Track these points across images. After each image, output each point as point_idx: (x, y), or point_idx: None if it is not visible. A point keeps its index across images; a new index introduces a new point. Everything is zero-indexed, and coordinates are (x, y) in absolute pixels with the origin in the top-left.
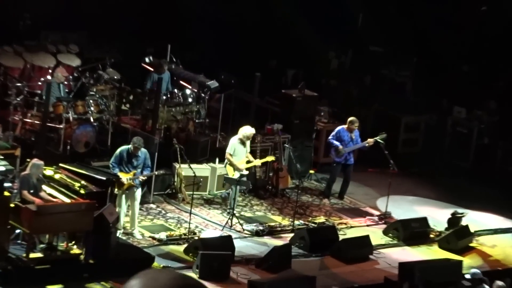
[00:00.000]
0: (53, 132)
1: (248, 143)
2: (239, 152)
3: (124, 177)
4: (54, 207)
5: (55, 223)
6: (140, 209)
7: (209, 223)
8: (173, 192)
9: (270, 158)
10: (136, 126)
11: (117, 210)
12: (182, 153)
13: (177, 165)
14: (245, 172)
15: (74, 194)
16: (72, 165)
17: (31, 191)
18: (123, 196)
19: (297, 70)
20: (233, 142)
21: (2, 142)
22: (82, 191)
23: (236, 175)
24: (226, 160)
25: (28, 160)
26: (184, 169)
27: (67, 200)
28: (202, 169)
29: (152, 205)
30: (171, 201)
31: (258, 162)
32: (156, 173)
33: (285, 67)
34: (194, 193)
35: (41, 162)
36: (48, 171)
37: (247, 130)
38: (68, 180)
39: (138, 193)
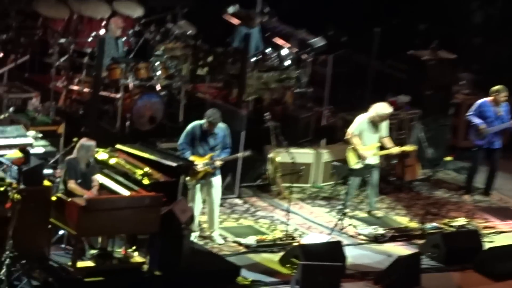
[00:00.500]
0: (108, 103)
1: (383, 126)
2: (367, 136)
3: (200, 162)
4: (109, 201)
5: (110, 223)
6: (221, 205)
7: (312, 224)
8: (265, 184)
9: (410, 148)
10: (216, 96)
11: (190, 206)
12: (277, 133)
13: (270, 149)
14: (373, 162)
15: (135, 184)
16: (133, 146)
17: (79, 180)
18: (198, 187)
19: (429, 24)
20: (361, 121)
21: (41, 116)
22: (145, 181)
23: (359, 165)
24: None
25: (75, 139)
26: (280, 154)
27: (126, 193)
28: (303, 154)
29: (237, 200)
30: (262, 195)
31: (396, 149)
32: (240, 155)
33: (413, 21)
34: (293, 185)
35: (92, 143)
36: (102, 155)
37: (382, 109)
38: (128, 166)
39: (218, 183)
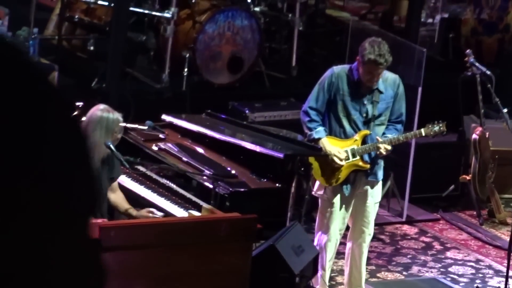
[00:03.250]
0: (146, 30)
1: None
2: None
3: (340, 150)
4: (146, 230)
5: (147, 273)
6: (375, 239)
7: None
8: (463, 194)
9: None
10: (366, 15)
11: (315, 239)
12: (490, 90)
13: (475, 123)
14: None
15: (198, 196)
16: (195, 119)
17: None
18: (336, 202)
19: None
20: None
21: None
22: (219, 189)
23: None
24: None
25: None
26: (495, 133)
27: (180, 213)
28: None
29: (407, 228)
30: (456, 217)
31: None
32: (424, 132)
33: None
34: None
35: (116, 116)
36: (134, 135)
37: None
38: (184, 159)
39: (375, 195)
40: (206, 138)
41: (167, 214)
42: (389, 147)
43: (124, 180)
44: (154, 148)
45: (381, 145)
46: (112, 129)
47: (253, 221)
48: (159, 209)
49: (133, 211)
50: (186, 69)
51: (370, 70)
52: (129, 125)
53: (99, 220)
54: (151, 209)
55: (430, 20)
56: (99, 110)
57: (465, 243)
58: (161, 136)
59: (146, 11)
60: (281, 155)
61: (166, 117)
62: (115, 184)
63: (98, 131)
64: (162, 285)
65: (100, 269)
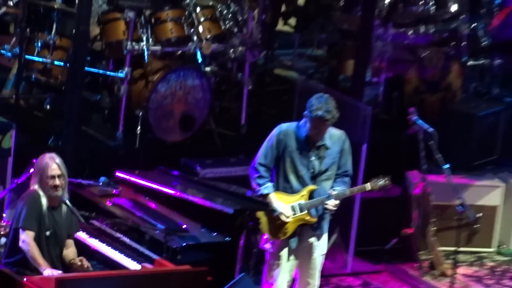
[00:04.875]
0: (101, 90)
1: None
2: None
3: (286, 206)
4: (101, 282)
5: None
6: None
7: None
8: (405, 247)
9: None
10: (313, 74)
11: None
12: (431, 147)
13: (417, 178)
14: None
15: (151, 249)
16: (148, 175)
17: (47, 232)
18: (283, 255)
19: None
20: None
21: None
22: (171, 243)
23: None
24: None
25: (36, 160)
26: (437, 188)
27: (133, 266)
28: (482, 189)
29: (351, 280)
30: (399, 270)
31: None
32: (370, 186)
33: None
34: (461, 249)
35: (53, 158)
36: (89, 191)
37: None
38: (137, 213)
39: (320, 248)
40: (158, 194)
41: (120, 267)
42: (336, 202)
43: (79, 234)
44: (108, 203)
45: (330, 202)
46: (48, 170)
47: (204, 273)
48: (113, 262)
49: (73, 261)
50: (139, 127)
51: (317, 126)
52: (84, 182)
53: (55, 272)
54: (81, 258)
55: (375, 79)
56: (44, 156)
57: None
58: (115, 192)
59: (101, 71)
60: (230, 211)
61: (120, 174)
62: (70, 241)
63: (42, 175)
64: None
65: None
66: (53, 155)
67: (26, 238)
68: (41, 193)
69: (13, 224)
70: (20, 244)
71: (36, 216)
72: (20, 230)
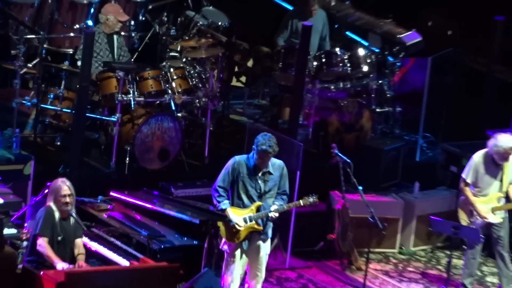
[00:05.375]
0: (98, 130)
1: (510, 165)
2: (487, 182)
3: (239, 217)
4: (98, 276)
5: None
6: (266, 281)
7: None
8: (330, 248)
9: None
10: (259, 119)
11: (222, 282)
12: (348, 173)
13: (338, 197)
14: (495, 221)
15: (137, 250)
16: (135, 195)
17: (59, 238)
18: (237, 254)
19: None
20: (475, 161)
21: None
22: (153, 246)
23: (474, 225)
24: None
25: (50, 183)
26: (353, 204)
27: (124, 263)
28: (387, 205)
29: (289, 274)
30: (325, 265)
31: None
32: (302, 202)
33: None
34: (372, 250)
35: (64, 182)
36: (90, 207)
37: (503, 142)
38: (126, 223)
39: (265, 248)
40: (142, 209)
41: (114, 263)
42: (277, 214)
43: (83, 239)
44: (105, 216)
45: (271, 214)
46: (63, 193)
47: (177, 268)
48: (108, 260)
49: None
50: (127, 159)
51: (262, 157)
52: (86, 199)
53: (65, 266)
54: (81, 263)
55: (305, 122)
56: (60, 180)
57: (331, 283)
58: (109, 207)
59: (98, 116)
60: (197, 221)
61: (113, 193)
62: (79, 241)
63: (59, 195)
64: None
65: None
66: (65, 179)
67: (42, 243)
68: (54, 208)
69: (32, 231)
70: (38, 247)
71: (50, 225)
72: (38, 236)
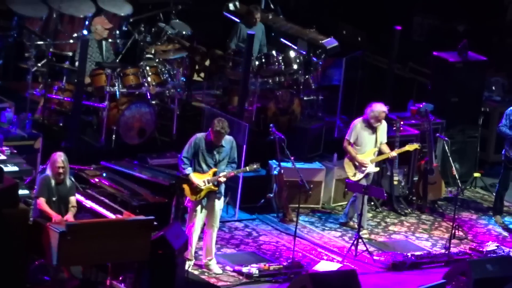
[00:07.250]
0: (91, 114)
1: (381, 128)
2: (365, 141)
3: (200, 180)
4: (92, 226)
5: (93, 250)
6: (220, 229)
7: (322, 251)
8: (269, 204)
9: (411, 147)
10: (214, 105)
11: (186, 230)
12: (283, 146)
13: (275, 165)
14: (373, 170)
15: (121, 206)
16: (120, 163)
17: (54, 198)
18: (198, 209)
19: (457, 23)
20: (356, 125)
21: (15, 129)
22: (133, 203)
23: (358, 175)
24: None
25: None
26: (287, 171)
27: (111, 216)
28: (313, 171)
29: (237, 224)
30: (266, 217)
31: (392, 153)
32: (247, 168)
33: (439, 18)
34: (301, 206)
35: (60, 156)
36: (85, 173)
37: (376, 108)
38: (113, 185)
39: (220, 205)
40: (126, 174)
41: (103, 216)
42: (226, 177)
43: (79, 197)
44: (96, 179)
45: (222, 177)
46: (58, 163)
47: (152, 220)
48: (99, 214)
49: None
50: (114, 136)
51: (217, 136)
52: (82, 167)
53: (57, 217)
54: (67, 217)
55: (250, 108)
56: (57, 154)
57: (270, 233)
58: (100, 173)
59: (92, 103)
60: (167, 183)
61: (103, 163)
62: (72, 198)
63: (52, 165)
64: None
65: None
66: (61, 153)
67: (41, 202)
68: (50, 175)
69: (34, 194)
70: (37, 206)
71: (46, 189)
72: (37, 198)
